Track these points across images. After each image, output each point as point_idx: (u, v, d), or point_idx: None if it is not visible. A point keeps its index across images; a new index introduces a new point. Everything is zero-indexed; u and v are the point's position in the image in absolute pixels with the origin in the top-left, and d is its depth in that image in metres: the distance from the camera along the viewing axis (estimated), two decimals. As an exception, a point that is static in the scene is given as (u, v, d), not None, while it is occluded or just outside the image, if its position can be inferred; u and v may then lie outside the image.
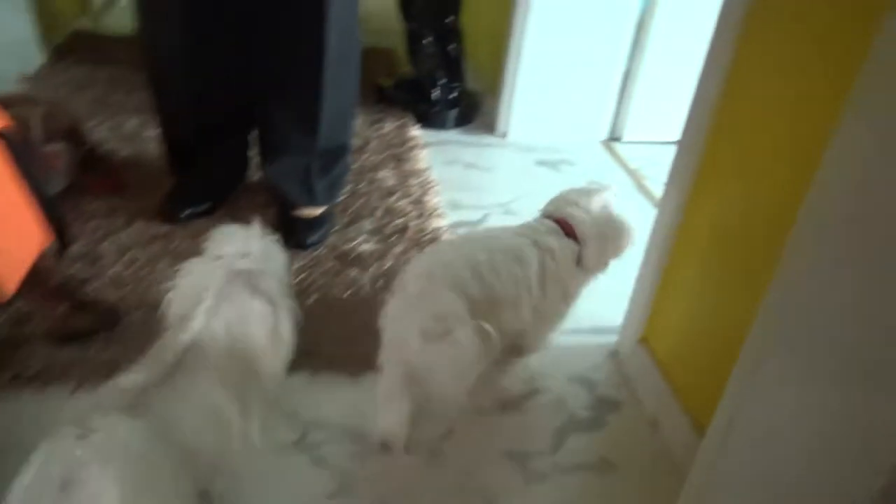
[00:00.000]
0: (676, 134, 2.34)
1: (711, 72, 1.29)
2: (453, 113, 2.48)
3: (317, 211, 1.79)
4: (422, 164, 2.16)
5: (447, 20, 2.43)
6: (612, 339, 1.60)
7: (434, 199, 1.98)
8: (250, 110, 1.73)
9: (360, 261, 1.68)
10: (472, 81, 2.62)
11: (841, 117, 0.84)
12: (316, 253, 1.70)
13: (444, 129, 2.47)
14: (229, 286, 1.04)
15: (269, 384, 1.07)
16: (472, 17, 2.58)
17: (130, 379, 0.93)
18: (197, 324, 1.00)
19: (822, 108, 1.02)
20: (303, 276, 1.62)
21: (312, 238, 1.74)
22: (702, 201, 1.33)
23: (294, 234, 1.72)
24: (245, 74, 1.64)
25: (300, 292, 1.57)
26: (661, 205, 1.47)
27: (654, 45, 2.39)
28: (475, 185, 2.16)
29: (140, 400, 0.90)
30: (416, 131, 2.39)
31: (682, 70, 2.41)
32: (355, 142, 2.23)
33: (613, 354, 1.57)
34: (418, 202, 1.95)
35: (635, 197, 2.24)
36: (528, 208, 2.07)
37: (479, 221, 1.99)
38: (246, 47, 1.59)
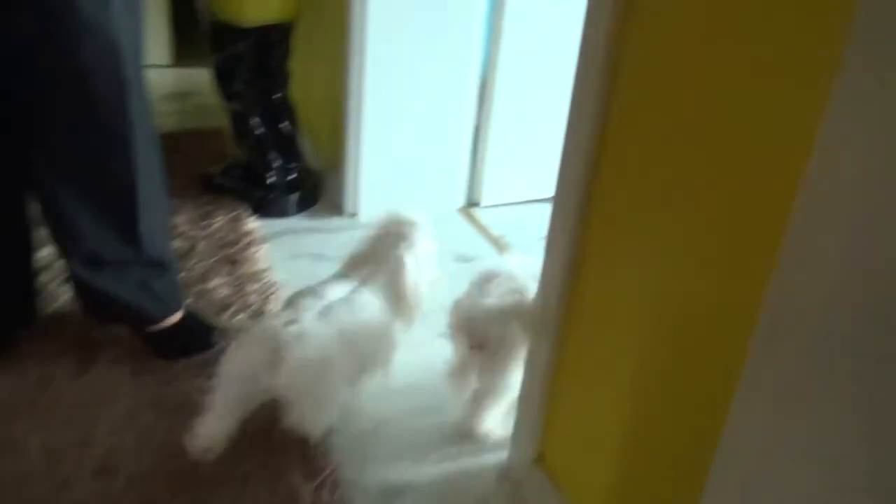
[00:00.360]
0: (537, 192, 2.21)
1: (580, 121, 1.11)
2: (294, 197, 2.21)
3: (177, 316, 1.53)
4: (261, 265, 1.87)
5: (275, 97, 2.18)
6: (503, 456, 1.37)
7: (276, 308, 1.70)
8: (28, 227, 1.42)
9: (192, 408, 1.36)
10: (311, 159, 2.37)
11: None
12: (127, 404, 1.37)
13: (286, 216, 2.19)
14: (392, 247, 1.45)
15: (408, 316, 1.45)
16: (303, 90, 2.34)
17: (328, 292, 1.34)
18: (366, 269, 1.44)
19: (729, 154, 0.85)
20: (111, 442, 1.28)
21: (213, 339, 1.55)
22: (589, 280, 1.13)
23: (178, 344, 1.51)
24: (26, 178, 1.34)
25: (102, 469, 1.23)
26: (541, 288, 1.27)
27: (501, 102, 2.25)
28: (326, 281, 1.89)
29: (330, 310, 1.29)
30: (252, 223, 2.09)
31: (533, 124, 2.29)
32: (181, 245, 1.92)
33: (505, 476, 1.34)
34: (260, 314, 1.66)
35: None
36: (389, 302, 1.84)
37: (335, 326, 1.72)
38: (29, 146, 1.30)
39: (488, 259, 1.58)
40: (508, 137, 2.31)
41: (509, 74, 2.21)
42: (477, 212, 2.35)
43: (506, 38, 2.15)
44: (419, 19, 2.05)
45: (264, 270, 1.84)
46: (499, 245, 2.18)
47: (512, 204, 2.40)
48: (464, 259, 2.08)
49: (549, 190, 2.46)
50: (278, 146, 2.20)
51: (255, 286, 1.76)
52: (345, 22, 2.03)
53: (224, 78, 2.12)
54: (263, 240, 2.01)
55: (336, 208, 2.25)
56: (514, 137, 2.31)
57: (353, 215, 2.23)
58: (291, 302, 1.33)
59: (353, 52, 2.04)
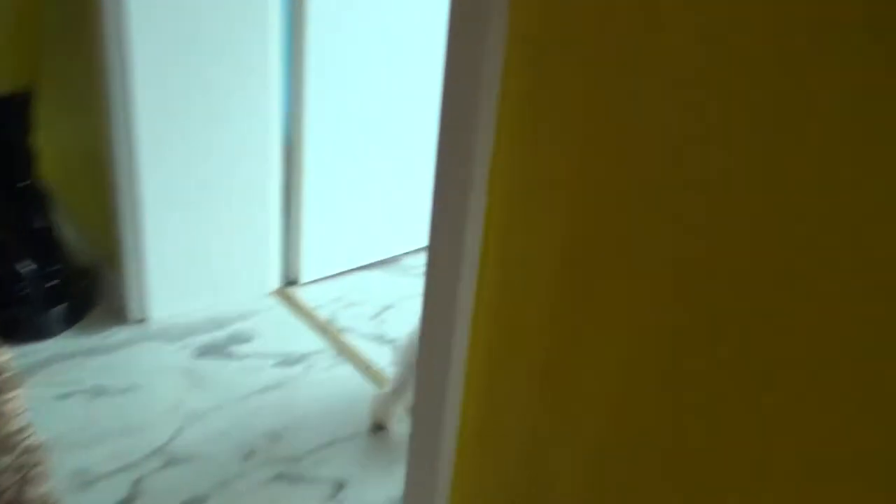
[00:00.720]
0: (363, 258, 1.96)
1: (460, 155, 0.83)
2: (58, 310, 1.73)
3: None
4: (15, 422, 1.39)
5: (19, 185, 1.69)
6: None
7: (41, 490, 1.25)
8: None
9: None
10: (80, 256, 1.89)
11: None
12: None
13: (49, 337, 1.70)
14: None
15: None
16: (60, 170, 1.86)
17: None
18: None
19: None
20: None
21: None
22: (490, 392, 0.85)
23: None
24: None
25: None
26: (416, 405, 0.99)
27: (312, 165, 1.92)
28: (111, 427, 1.46)
29: None
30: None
31: (350, 184, 1.99)
32: None
33: None
34: (14, 508, 1.20)
35: (340, 367, 1.73)
36: (205, 445, 1.44)
37: (130, 499, 1.30)
38: None
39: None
40: (325, 203, 1.99)
41: (318, 134, 1.89)
42: (296, 292, 2.00)
43: (310, 95, 1.83)
44: (199, 77, 1.67)
45: (20, 431, 1.37)
46: (328, 332, 1.85)
47: (337, 275, 2.08)
48: (288, 361, 1.73)
49: (377, 254, 2.21)
50: (30, 247, 1.71)
51: (6, 460, 1.29)
52: (102, 82, 1.60)
53: (-61, 168, 1.61)
54: (16, 381, 1.52)
55: (118, 315, 1.79)
56: (332, 202, 2.00)
57: (142, 321, 1.79)
58: None
59: (116, 120, 1.62)
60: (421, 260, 2.18)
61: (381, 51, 1.89)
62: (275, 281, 2.00)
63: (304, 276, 2.04)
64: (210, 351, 1.72)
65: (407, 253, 2.20)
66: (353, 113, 1.92)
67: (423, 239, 2.20)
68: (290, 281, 2.04)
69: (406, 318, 1.93)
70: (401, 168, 2.06)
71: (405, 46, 1.92)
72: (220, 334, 1.78)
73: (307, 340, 1.81)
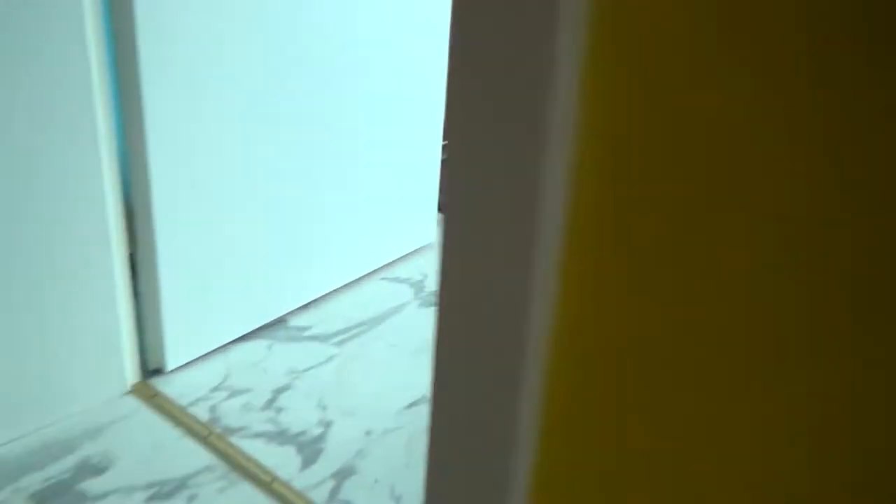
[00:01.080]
0: (245, 322, 1.60)
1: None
2: None
3: None
4: None
5: None
6: None
7: None
8: None
9: None
10: None
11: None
12: None
13: None
14: None
15: None
16: None
17: None
18: None
19: None
20: None
21: None
22: None
23: None
24: None
25: None
26: None
27: (165, 227, 1.51)
28: None
29: None
30: None
31: (215, 238, 1.60)
32: None
33: None
34: None
35: (235, 488, 1.34)
36: None
37: None
38: None
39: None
40: (185, 265, 1.58)
41: (168, 187, 1.48)
42: (163, 385, 1.58)
43: (154, 145, 1.41)
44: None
45: None
46: (211, 439, 1.45)
47: (212, 353, 1.67)
48: (163, 492, 1.32)
49: (256, 319, 1.81)
50: None
51: None
52: None
53: None
54: None
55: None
56: (194, 262, 1.60)
57: (-51, 463, 1.31)
58: None
59: None
60: (310, 318, 1.82)
61: (233, 76, 1.51)
62: (132, 373, 1.57)
63: (171, 360, 1.62)
64: (53, 495, 1.28)
65: (291, 312, 1.82)
66: (209, 156, 1.53)
67: (309, 293, 1.88)
68: (152, 370, 1.61)
69: (306, 400, 1.58)
70: (273, 213, 1.69)
71: (261, 68, 1.55)
72: (64, 466, 1.34)
73: (186, 455, 1.40)
